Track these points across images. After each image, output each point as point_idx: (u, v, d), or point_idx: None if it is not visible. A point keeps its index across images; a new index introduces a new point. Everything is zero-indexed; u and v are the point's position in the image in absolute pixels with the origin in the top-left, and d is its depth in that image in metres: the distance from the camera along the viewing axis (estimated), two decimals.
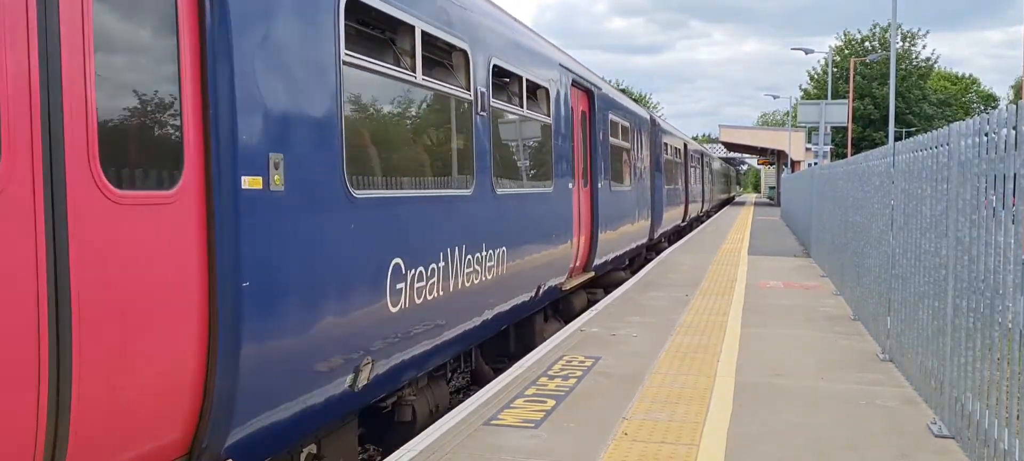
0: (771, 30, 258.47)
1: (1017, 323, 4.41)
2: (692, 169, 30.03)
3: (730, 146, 67.37)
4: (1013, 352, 4.49)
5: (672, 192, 23.53)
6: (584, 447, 5.49)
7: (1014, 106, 4.54)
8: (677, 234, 26.29)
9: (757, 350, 8.52)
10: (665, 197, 21.41)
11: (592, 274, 12.49)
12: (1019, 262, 4.45)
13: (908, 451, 5.44)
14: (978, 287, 5.11)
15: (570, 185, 11.07)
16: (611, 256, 13.96)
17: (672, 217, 23.55)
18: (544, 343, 8.99)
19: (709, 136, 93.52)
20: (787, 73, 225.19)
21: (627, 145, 15.73)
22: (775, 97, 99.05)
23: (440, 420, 6.11)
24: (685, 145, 28.04)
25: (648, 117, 19.78)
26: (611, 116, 14.21)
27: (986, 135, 5.05)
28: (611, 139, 14.02)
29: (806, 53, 48.07)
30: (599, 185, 12.66)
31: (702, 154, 35.94)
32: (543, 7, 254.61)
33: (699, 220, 34.97)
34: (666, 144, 22.43)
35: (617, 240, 14.36)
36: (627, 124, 15.79)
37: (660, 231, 20.59)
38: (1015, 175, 4.51)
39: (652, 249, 20.68)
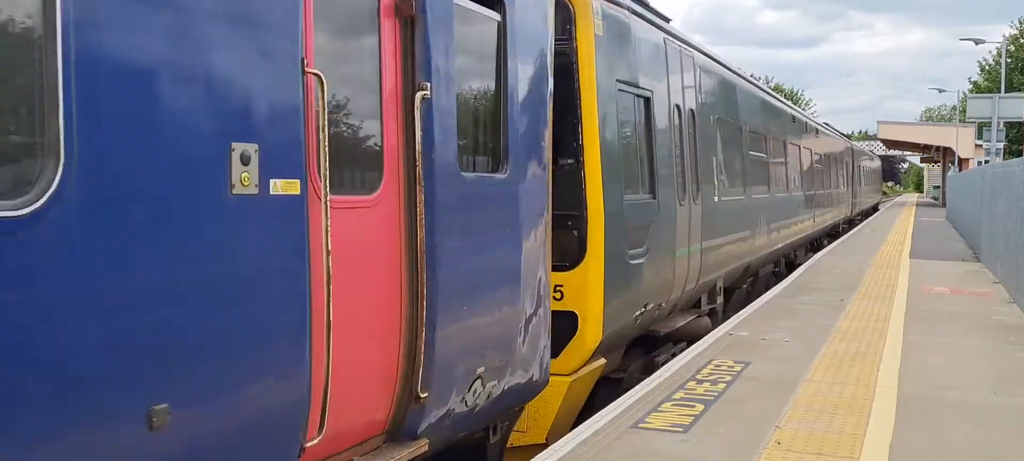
0: (937, 18, 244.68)
1: None
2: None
3: (890, 143, 64.22)
4: None
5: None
6: (735, 454, 5.37)
7: None
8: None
9: (921, 359, 8.06)
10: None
11: None
12: None
13: None
14: None
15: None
16: None
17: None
18: (691, 347, 8.83)
19: (867, 133, 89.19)
20: (955, 65, 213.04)
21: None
22: (941, 91, 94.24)
23: (587, 422, 6.11)
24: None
25: None
26: None
27: None
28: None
29: (976, 43, 45.11)
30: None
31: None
32: (691, 4, 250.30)
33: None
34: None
35: None
36: None
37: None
38: None
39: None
